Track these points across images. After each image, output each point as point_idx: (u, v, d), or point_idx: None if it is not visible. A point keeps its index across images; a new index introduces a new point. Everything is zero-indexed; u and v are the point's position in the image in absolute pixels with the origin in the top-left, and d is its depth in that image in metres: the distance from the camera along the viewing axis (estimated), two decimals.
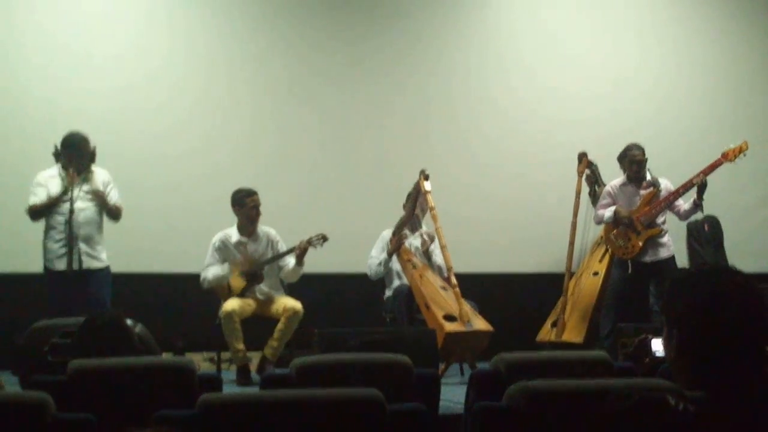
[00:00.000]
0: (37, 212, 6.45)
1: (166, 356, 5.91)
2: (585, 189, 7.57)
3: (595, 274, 7.41)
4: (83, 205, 6.45)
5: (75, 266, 6.35)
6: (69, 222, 6.34)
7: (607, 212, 7.13)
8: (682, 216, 7.19)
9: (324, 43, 8.20)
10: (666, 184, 7.11)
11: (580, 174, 7.44)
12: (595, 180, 7.61)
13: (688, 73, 8.73)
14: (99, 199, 6.46)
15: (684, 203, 7.09)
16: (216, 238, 6.96)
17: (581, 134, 8.05)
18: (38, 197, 6.44)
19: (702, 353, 1.98)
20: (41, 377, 3.42)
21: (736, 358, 1.96)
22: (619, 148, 7.29)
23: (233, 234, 6.97)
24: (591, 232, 7.51)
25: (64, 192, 6.36)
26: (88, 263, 6.43)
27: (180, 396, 3.34)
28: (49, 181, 6.46)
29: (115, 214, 6.56)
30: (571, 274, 7.36)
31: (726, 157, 6.91)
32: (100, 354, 3.62)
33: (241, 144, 8.02)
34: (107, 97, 7.72)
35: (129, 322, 4.18)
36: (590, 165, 7.53)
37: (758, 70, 8.81)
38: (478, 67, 8.43)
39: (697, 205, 6.99)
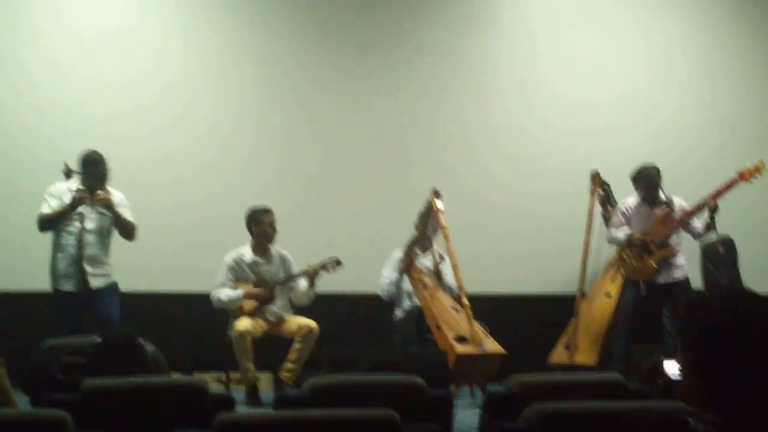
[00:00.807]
0: (46, 222, 6.42)
1: (176, 376, 5.90)
2: (598, 208, 7.54)
3: (608, 295, 7.35)
4: (92, 225, 6.44)
5: (83, 287, 6.34)
6: (79, 242, 6.33)
7: (621, 235, 7.09)
8: (696, 236, 7.15)
9: (335, 60, 8.19)
10: (680, 203, 7.06)
11: (592, 194, 7.40)
12: (607, 200, 7.58)
13: (704, 89, 8.67)
14: (114, 213, 6.44)
15: (698, 223, 7.05)
16: (229, 257, 6.95)
17: (592, 154, 8.01)
18: (50, 207, 6.42)
19: (719, 377, 1.96)
20: (55, 396, 3.41)
21: (753, 382, 1.94)
22: (633, 164, 7.28)
23: (247, 253, 6.96)
24: (603, 253, 7.47)
25: (74, 204, 6.34)
26: (95, 283, 6.42)
27: (193, 415, 3.33)
28: (63, 194, 6.42)
29: (128, 230, 6.53)
30: (584, 295, 7.31)
31: (742, 177, 6.84)
32: (113, 373, 3.61)
33: (251, 163, 8.01)
34: (116, 118, 7.73)
35: (139, 339, 4.17)
36: (602, 185, 7.51)
37: None
38: (490, 94, 8.40)
39: (710, 227, 6.96)
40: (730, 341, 1.95)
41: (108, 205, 6.41)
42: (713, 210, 6.86)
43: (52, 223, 6.42)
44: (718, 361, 1.95)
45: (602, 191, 7.55)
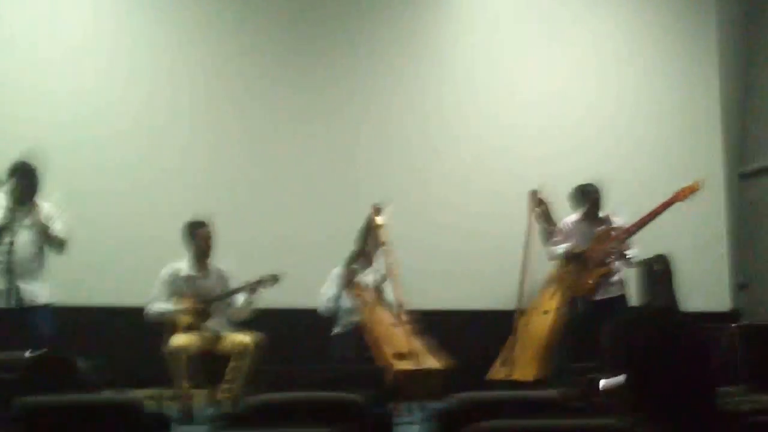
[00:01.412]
0: None
1: (108, 392, 5.79)
2: (536, 226, 7.60)
3: (546, 312, 7.42)
4: (23, 240, 6.28)
5: (14, 304, 6.18)
6: (8, 257, 6.17)
7: (560, 248, 7.17)
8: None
9: (280, 74, 8.24)
10: (619, 222, 7.15)
11: (531, 211, 7.47)
12: (546, 218, 7.65)
13: (642, 112, 8.85)
14: (41, 229, 6.31)
15: (633, 250, 7.12)
16: (165, 271, 6.86)
17: (533, 172, 8.08)
18: None
19: (648, 393, 2.00)
20: None
21: (682, 395, 1.97)
22: (572, 185, 7.37)
23: (184, 267, 6.87)
24: (542, 270, 7.54)
25: (7, 222, 6.19)
26: (29, 300, 6.27)
27: None
28: None
29: (58, 245, 6.40)
30: (522, 312, 7.36)
31: (678, 197, 6.96)
32: (45, 390, 3.53)
33: (192, 176, 7.96)
34: (56, 127, 7.66)
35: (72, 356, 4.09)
36: (541, 203, 7.58)
37: (712, 111, 8.96)
38: (436, 106, 8.48)
39: (629, 263, 7.08)
40: (656, 358, 1.98)
41: (40, 226, 6.26)
42: (621, 256, 6.97)
43: None
44: (646, 378, 1.99)
45: (541, 209, 7.62)
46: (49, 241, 6.37)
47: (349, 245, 7.21)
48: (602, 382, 5.35)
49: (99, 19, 7.97)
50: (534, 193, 7.51)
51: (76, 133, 7.72)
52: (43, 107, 7.67)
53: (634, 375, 2.01)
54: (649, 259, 7.97)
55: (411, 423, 6.16)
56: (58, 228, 6.38)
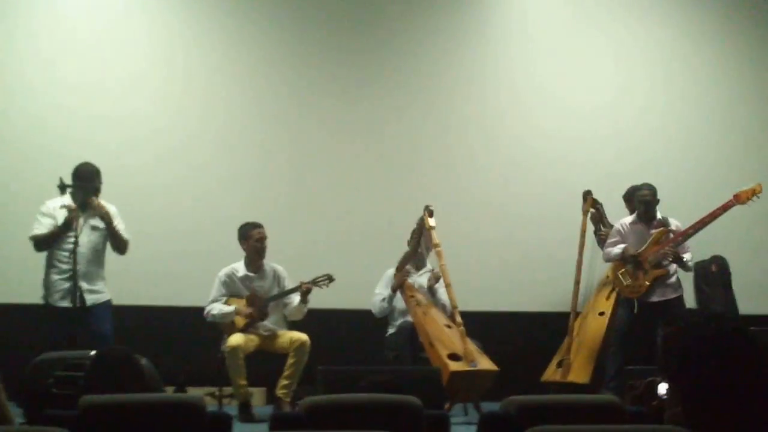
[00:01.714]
0: (41, 242, 6.39)
1: (168, 391, 5.87)
2: (590, 228, 7.55)
3: (601, 314, 7.35)
4: (86, 240, 6.39)
5: (78, 303, 6.29)
6: (73, 257, 6.27)
7: (616, 249, 7.11)
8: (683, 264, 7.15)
9: (327, 85, 8.26)
10: (676, 224, 7.09)
11: (585, 213, 7.41)
12: (600, 218, 7.60)
13: (696, 114, 8.73)
14: (108, 221, 6.39)
15: (688, 254, 7.06)
16: (222, 272, 6.95)
17: (587, 175, 8.04)
18: (44, 227, 6.38)
19: (703, 401, 1.98)
20: (52, 412, 3.40)
21: (736, 402, 1.96)
22: (624, 189, 7.32)
23: (240, 268, 6.95)
24: (597, 272, 7.49)
25: (67, 224, 6.30)
26: (90, 299, 6.39)
27: None
28: (56, 211, 6.37)
29: (122, 245, 6.50)
30: (577, 314, 7.31)
31: (738, 199, 6.85)
32: (109, 388, 3.59)
33: (245, 185, 8.05)
34: (114, 125, 7.83)
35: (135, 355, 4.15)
36: (595, 204, 7.52)
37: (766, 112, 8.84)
38: (480, 111, 8.45)
39: (685, 267, 7.01)
40: (708, 367, 1.96)
41: (103, 214, 6.36)
42: (677, 259, 6.90)
43: (47, 243, 6.38)
44: (699, 387, 1.97)
45: (595, 210, 7.57)
46: (115, 239, 6.45)
47: (400, 246, 7.22)
48: (661, 387, 5.29)
49: (153, 44, 8.09)
50: (587, 194, 7.45)
51: (137, 151, 7.87)
52: (107, 131, 7.81)
53: (689, 381, 1.98)
54: (706, 261, 7.92)
55: (465, 424, 6.17)
56: (121, 227, 6.48)
